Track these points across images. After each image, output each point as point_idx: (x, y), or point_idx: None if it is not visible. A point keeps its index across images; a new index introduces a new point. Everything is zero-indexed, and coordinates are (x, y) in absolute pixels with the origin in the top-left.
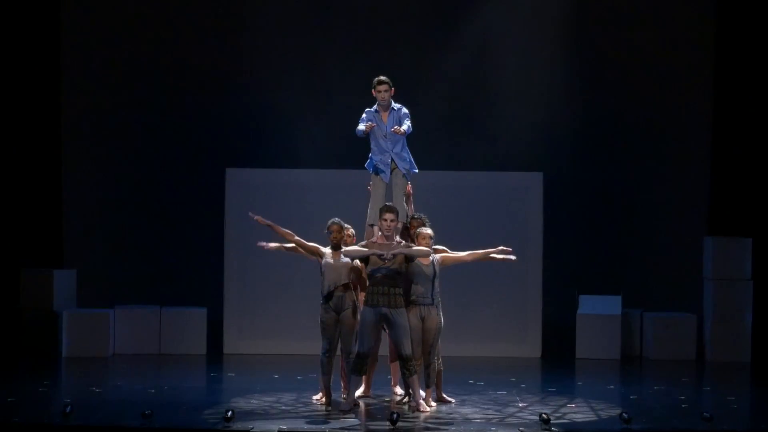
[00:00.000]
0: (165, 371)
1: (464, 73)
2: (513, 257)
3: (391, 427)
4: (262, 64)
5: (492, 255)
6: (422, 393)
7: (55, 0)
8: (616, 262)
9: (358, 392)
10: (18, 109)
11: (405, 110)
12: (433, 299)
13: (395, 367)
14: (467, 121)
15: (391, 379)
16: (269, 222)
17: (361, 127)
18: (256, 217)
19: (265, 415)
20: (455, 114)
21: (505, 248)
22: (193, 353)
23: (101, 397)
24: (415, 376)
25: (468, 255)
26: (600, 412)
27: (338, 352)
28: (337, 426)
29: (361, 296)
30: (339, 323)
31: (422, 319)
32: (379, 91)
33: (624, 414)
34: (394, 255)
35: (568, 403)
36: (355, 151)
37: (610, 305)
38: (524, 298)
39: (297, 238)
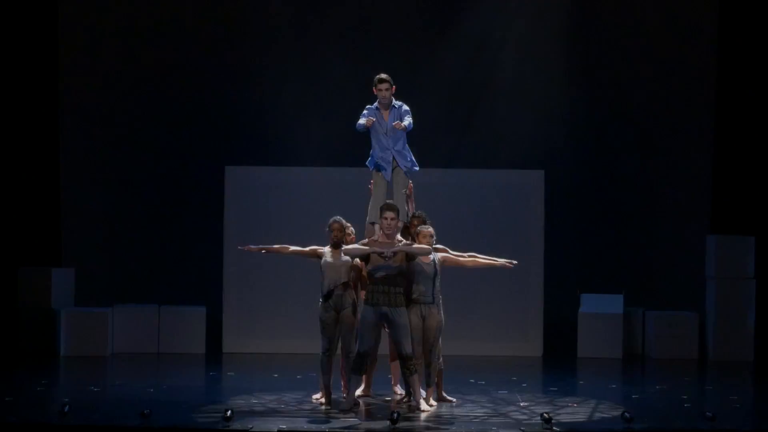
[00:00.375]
0: (164, 370)
1: (465, 70)
2: (514, 261)
3: (392, 426)
4: (261, 61)
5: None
6: (423, 392)
7: (52, 0)
8: (617, 260)
9: (358, 391)
10: (15, 106)
11: (406, 107)
12: (433, 298)
13: (395, 366)
14: (468, 118)
15: (391, 378)
16: (260, 247)
17: (362, 121)
18: (246, 248)
19: (264, 414)
20: (456, 112)
21: (507, 264)
22: (193, 352)
23: (100, 397)
24: (415, 376)
25: (470, 261)
26: (601, 412)
27: (338, 351)
28: (337, 426)
29: (362, 295)
30: (339, 322)
31: (423, 318)
32: (380, 90)
33: (626, 413)
34: (395, 252)
35: (569, 403)
36: (354, 149)
37: (612, 304)
38: (525, 297)
39: (292, 249)
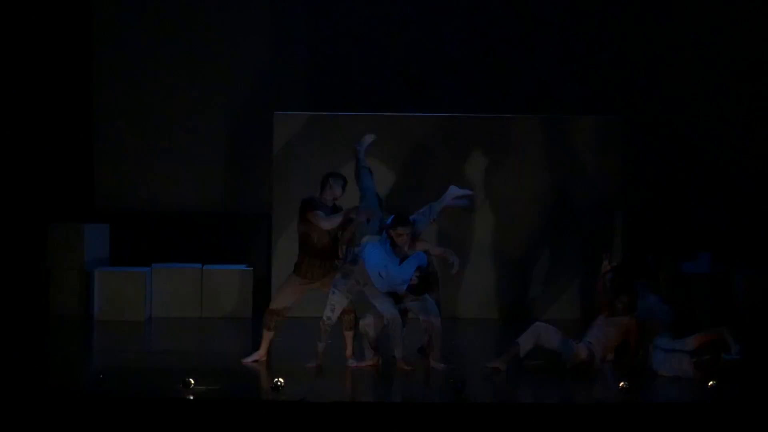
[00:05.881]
0: (207, 335)
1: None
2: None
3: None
4: None
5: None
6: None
7: None
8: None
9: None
10: (50, 57)
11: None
12: None
13: None
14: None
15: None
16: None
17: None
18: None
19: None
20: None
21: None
22: (239, 316)
23: (136, 364)
24: None
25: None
26: None
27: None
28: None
29: None
30: None
31: None
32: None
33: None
34: None
35: None
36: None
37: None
38: None
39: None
